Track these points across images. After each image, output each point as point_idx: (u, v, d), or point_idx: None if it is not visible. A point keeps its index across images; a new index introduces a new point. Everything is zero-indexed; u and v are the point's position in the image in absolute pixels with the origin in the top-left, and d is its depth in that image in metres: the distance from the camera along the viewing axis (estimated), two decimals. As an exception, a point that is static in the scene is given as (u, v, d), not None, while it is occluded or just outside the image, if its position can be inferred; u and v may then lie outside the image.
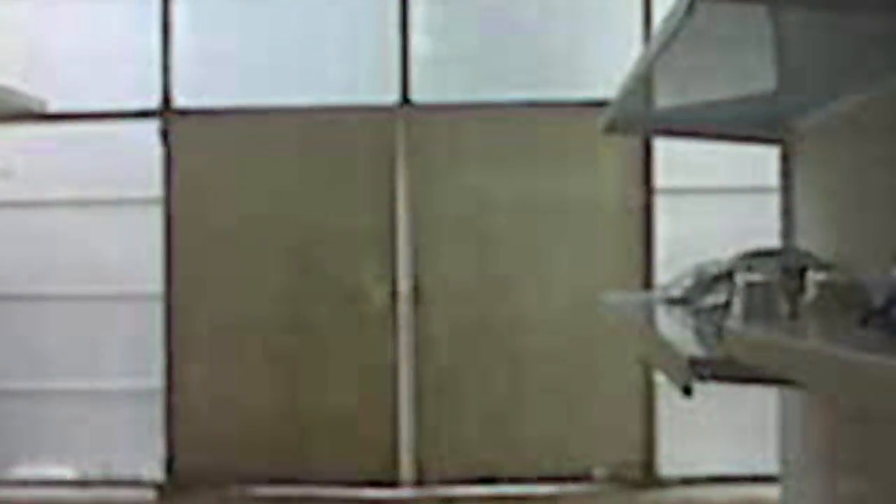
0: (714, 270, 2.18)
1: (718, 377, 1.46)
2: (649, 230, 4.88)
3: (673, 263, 4.10)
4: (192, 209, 4.97)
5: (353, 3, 5.02)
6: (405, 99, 4.96)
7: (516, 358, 4.87)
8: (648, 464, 4.85)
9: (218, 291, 4.95)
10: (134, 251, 5.01)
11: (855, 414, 2.27)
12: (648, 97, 2.52)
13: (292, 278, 4.95)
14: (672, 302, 2.32)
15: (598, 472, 4.83)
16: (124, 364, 5.03)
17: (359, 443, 4.89)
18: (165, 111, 4.98)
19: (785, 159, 2.86)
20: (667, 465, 4.86)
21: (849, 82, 2.14)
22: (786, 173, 2.86)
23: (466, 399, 4.90)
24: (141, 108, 4.97)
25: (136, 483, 4.93)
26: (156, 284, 4.95)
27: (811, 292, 1.56)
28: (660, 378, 4.59)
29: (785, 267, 1.89)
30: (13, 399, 5.03)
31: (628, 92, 2.37)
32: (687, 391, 1.47)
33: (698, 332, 1.84)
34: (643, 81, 2.20)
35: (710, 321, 1.88)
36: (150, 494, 4.90)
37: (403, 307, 4.92)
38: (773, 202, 2.95)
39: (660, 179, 4.90)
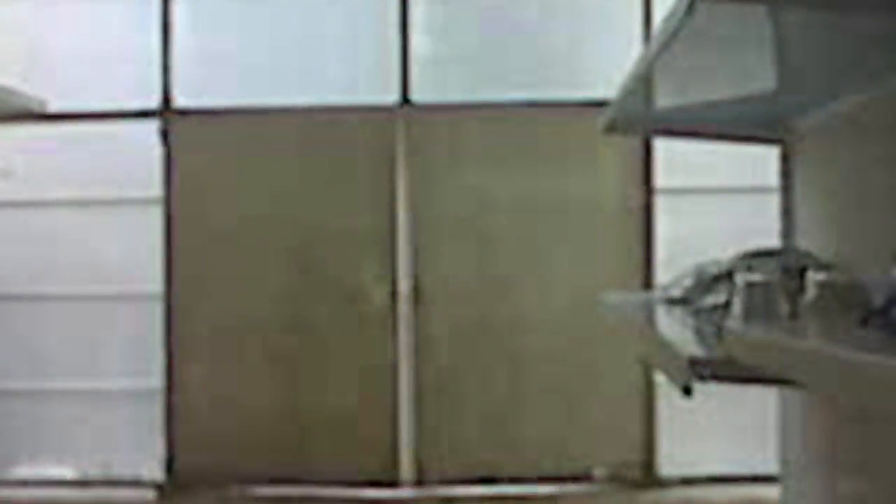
0: (714, 270, 2.18)
1: (718, 377, 1.46)
2: (649, 230, 4.88)
3: (673, 263, 4.10)
4: (192, 209, 4.97)
5: (353, 2, 5.02)
6: (405, 99, 4.96)
7: (516, 358, 4.87)
8: (648, 464, 4.85)
9: (218, 291, 4.95)
10: (134, 251, 5.01)
11: (855, 414, 2.27)
12: (648, 97, 2.52)
13: (292, 278, 4.95)
14: (672, 302, 2.32)
15: (598, 472, 4.83)
16: (124, 364, 5.03)
17: (359, 443, 4.89)
18: (165, 111, 4.98)
19: (785, 159, 2.86)
20: (667, 465, 4.86)
21: (849, 82, 2.14)
22: (786, 173, 2.86)
23: (466, 399, 4.90)
24: (141, 108, 4.97)
25: (136, 483, 4.93)
26: (156, 284, 4.95)
27: (811, 292, 1.56)
28: (660, 378, 4.59)
29: (785, 267, 1.89)
30: (13, 399, 5.03)
31: (628, 92, 2.37)
32: (687, 391, 1.47)
33: (698, 332, 1.84)
34: (643, 81, 2.20)
35: (710, 321, 1.88)
36: (150, 494, 4.90)
37: (403, 307, 4.92)
38: (773, 202, 2.95)
39: (660, 179, 4.90)
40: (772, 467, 3.09)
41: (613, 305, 3.01)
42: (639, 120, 3.06)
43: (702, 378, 1.44)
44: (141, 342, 4.98)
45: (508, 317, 4.88)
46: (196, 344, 4.95)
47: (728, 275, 2.06)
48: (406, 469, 4.89)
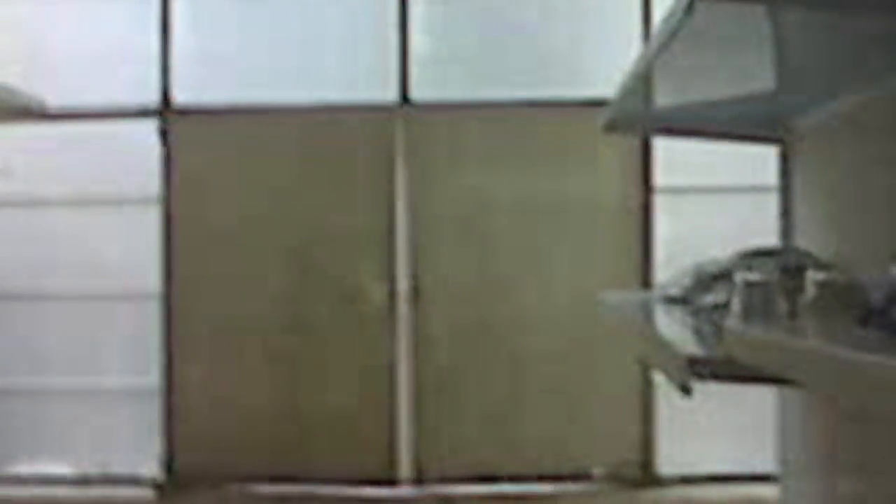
0: (713, 270, 2.18)
1: (717, 376, 1.46)
2: (648, 229, 4.88)
3: (672, 263, 4.10)
4: (191, 208, 4.96)
5: (353, 1, 5.02)
6: (404, 98, 4.96)
7: (515, 357, 4.87)
8: (647, 463, 4.86)
9: (216, 290, 4.95)
10: (133, 250, 5.00)
11: (854, 413, 2.27)
12: (648, 96, 2.52)
13: (291, 277, 4.95)
14: (671, 301, 2.32)
15: (597, 471, 4.83)
16: (123, 363, 5.03)
17: (358, 441, 4.89)
18: (165, 110, 4.98)
19: (784, 159, 2.87)
20: (666, 465, 4.86)
21: (848, 82, 2.14)
22: (785, 173, 2.86)
23: (465, 398, 4.89)
24: (140, 107, 4.97)
25: (134, 482, 4.93)
26: (155, 283, 4.95)
27: (810, 292, 1.56)
28: (659, 377, 4.59)
29: (784, 266, 1.89)
30: (12, 398, 5.02)
31: (628, 91, 2.37)
32: (686, 390, 1.47)
33: (697, 332, 1.84)
34: (642, 81, 2.20)
35: (708, 321, 1.88)
36: (149, 493, 4.90)
37: (402, 306, 4.92)
38: (773, 202, 2.95)
39: (659, 179, 4.90)
40: (771, 467, 3.09)
41: (612, 305, 3.01)
42: (638, 119, 3.07)
43: (700, 377, 1.44)
44: (140, 341, 4.98)
45: (507, 316, 4.88)
46: (195, 343, 4.94)
47: (727, 274, 2.06)
48: (405, 468, 4.90)
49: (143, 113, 4.96)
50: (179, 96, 4.98)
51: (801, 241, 2.68)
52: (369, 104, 4.94)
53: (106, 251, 5.02)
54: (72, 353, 5.02)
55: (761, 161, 3.16)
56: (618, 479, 4.83)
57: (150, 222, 4.96)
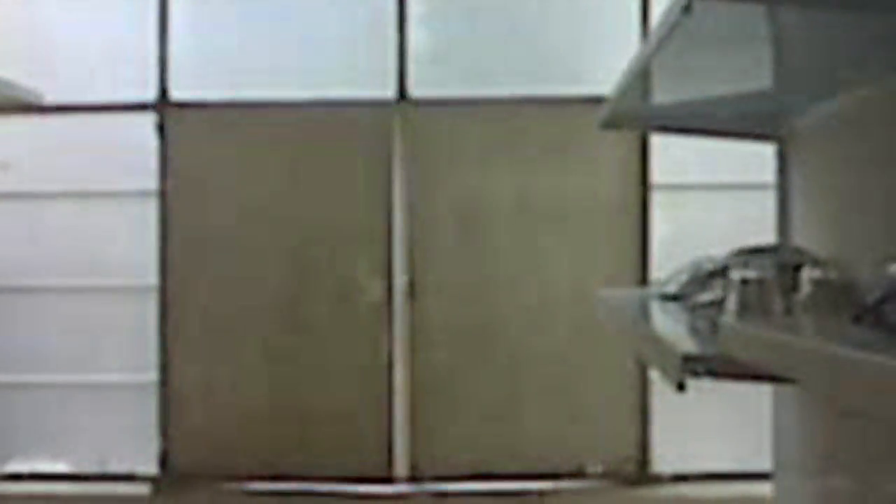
0: (709, 267, 2.18)
1: (712, 374, 1.46)
2: (645, 227, 4.88)
3: (669, 260, 4.10)
4: (188, 202, 4.95)
5: (351, -3, 5.02)
6: (402, 94, 4.95)
7: (511, 354, 4.87)
8: (643, 460, 4.86)
9: (213, 285, 4.94)
10: (130, 244, 4.99)
11: (849, 411, 2.27)
12: (646, 94, 2.52)
13: (287, 272, 4.94)
14: (667, 298, 2.33)
15: (593, 468, 4.83)
16: (120, 358, 5.02)
17: (354, 438, 4.89)
18: (162, 104, 4.97)
19: (781, 156, 2.87)
20: (661, 462, 4.86)
21: (845, 81, 2.14)
22: (782, 170, 2.86)
23: (462, 395, 4.89)
24: (137, 101, 4.96)
25: (131, 477, 4.93)
26: (152, 278, 4.94)
27: (806, 289, 1.56)
28: (654, 374, 4.59)
29: (780, 264, 1.89)
30: (7, 392, 5.02)
31: (626, 88, 2.37)
32: (681, 387, 1.47)
33: (693, 329, 1.85)
34: (640, 78, 2.20)
35: (704, 317, 1.88)
36: (146, 489, 4.90)
37: (399, 304, 4.91)
38: (770, 199, 2.95)
39: (656, 176, 4.90)
40: (766, 464, 3.09)
41: (608, 302, 3.01)
42: (636, 116, 3.07)
43: (695, 374, 1.44)
44: (137, 336, 4.97)
45: (504, 313, 4.88)
46: (191, 338, 4.94)
47: (723, 271, 2.06)
48: (402, 465, 4.90)
49: (140, 106, 4.95)
50: (176, 90, 4.97)
51: (798, 239, 2.69)
52: (367, 101, 4.93)
53: (102, 245, 5.01)
54: (69, 348, 5.00)
55: (759, 159, 3.16)
56: (614, 476, 4.84)
57: (147, 216, 4.94)
